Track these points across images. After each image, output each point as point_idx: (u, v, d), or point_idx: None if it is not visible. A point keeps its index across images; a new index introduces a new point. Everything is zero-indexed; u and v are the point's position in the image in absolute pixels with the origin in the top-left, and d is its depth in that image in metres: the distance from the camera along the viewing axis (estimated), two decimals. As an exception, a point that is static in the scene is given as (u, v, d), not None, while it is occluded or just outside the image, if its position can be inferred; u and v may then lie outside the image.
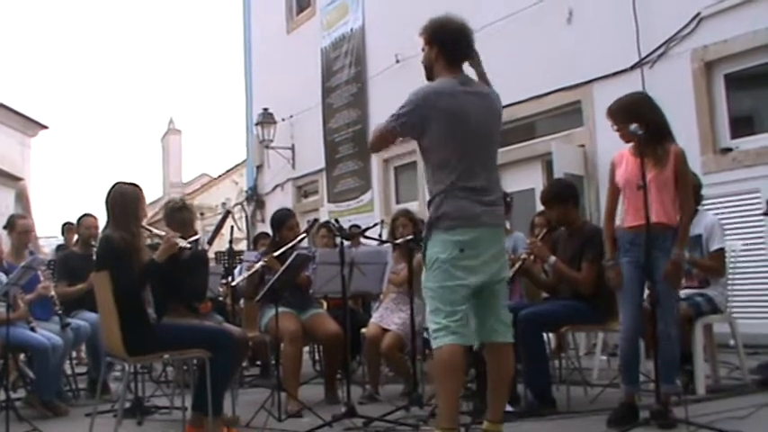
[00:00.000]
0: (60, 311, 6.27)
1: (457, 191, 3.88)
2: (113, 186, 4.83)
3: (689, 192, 4.66)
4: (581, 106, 9.53)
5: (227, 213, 7.24)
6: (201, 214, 22.75)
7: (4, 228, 6.91)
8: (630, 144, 4.68)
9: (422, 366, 5.99)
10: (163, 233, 4.87)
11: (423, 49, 4.16)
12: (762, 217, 6.96)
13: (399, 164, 12.94)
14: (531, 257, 5.62)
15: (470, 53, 4.09)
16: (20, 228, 6.72)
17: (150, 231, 5.01)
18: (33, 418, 5.59)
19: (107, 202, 4.78)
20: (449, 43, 4.04)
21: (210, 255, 8.63)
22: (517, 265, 5.63)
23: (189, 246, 4.81)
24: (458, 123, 3.89)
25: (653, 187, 4.45)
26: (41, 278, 6.36)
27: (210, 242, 7.23)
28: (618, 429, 4.43)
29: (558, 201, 5.56)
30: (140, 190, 4.88)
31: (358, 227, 8.31)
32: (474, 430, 4.48)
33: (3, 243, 6.65)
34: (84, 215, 7.31)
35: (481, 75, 4.18)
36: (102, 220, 5.69)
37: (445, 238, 3.86)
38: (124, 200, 4.77)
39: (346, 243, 7.61)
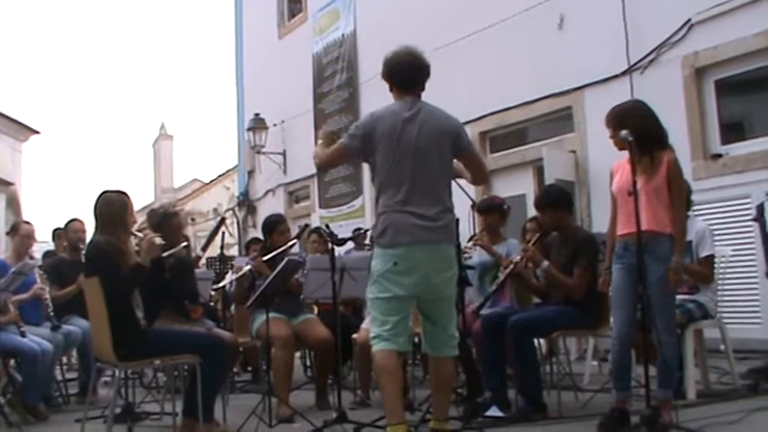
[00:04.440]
0: (52, 314, 6.32)
1: (396, 209, 4.18)
2: (100, 195, 4.84)
3: (682, 200, 4.67)
4: (572, 112, 9.56)
5: (222, 221, 7.23)
6: (193, 220, 22.69)
7: (8, 233, 6.97)
8: (625, 152, 4.68)
9: (412, 372, 5.98)
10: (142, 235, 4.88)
11: None
12: (752, 223, 6.98)
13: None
14: (524, 261, 5.63)
15: (417, 79, 4.40)
16: (23, 231, 6.80)
17: (136, 236, 5.00)
18: (22, 423, 5.58)
19: (95, 210, 4.79)
20: (395, 72, 4.42)
21: (202, 261, 8.63)
22: (509, 269, 5.64)
23: (165, 242, 4.82)
24: (397, 143, 4.22)
25: (643, 195, 4.46)
26: (38, 280, 6.39)
27: (204, 249, 7.23)
28: (608, 434, 4.45)
29: (552, 206, 5.57)
30: (127, 197, 4.88)
31: (360, 229, 8.37)
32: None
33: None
34: (72, 220, 7.36)
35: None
36: (90, 225, 5.69)
37: (383, 252, 4.20)
38: (111, 208, 4.77)
39: (351, 245, 7.67)
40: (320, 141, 4.76)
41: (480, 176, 4.67)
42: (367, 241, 7.13)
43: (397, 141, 4.22)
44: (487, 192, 10.13)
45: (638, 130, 4.51)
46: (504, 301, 5.95)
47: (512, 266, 5.65)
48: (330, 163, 4.67)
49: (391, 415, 4.07)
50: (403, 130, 4.23)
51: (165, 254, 4.80)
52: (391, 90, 4.46)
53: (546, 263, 5.46)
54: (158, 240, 4.74)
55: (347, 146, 4.38)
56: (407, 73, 4.39)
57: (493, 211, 6.13)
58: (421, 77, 4.40)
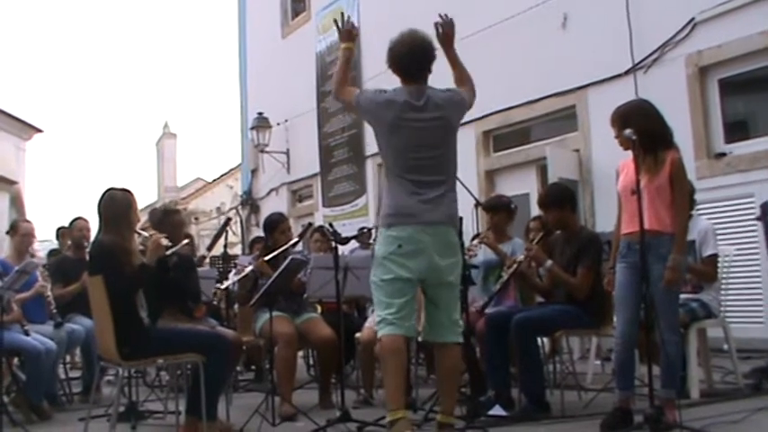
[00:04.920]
0: (55, 311, 6.34)
1: (399, 190, 4.27)
2: (105, 193, 4.83)
3: (685, 199, 4.66)
4: (575, 111, 9.55)
5: (228, 221, 7.22)
6: (196, 218, 22.72)
7: (7, 233, 6.98)
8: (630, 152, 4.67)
9: (416, 370, 5.97)
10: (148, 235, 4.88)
11: None
12: (755, 222, 6.97)
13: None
14: (527, 261, 5.62)
15: (418, 67, 4.40)
16: (22, 230, 6.79)
17: (140, 234, 5.00)
18: (26, 422, 5.60)
19: (99, 208, 4.79)
20: (396, 64, 4.45)
21: (206, 260, 8.63)
22: (513, 269, 5.62)
23: (171, 244, 4.81)
24: (400, 133, 4.28)
25: (646, 194, 4.46)
26: (39, 278, 6.40)
27: (210, 249, 7.23)
28: (611, 434, 4.45)
29: (555, 204, 5.56)
30: (132, 195, 4.87)
31: (364, 228, 8.38)
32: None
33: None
34: (76, 218, 7.36)
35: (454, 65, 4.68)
36: (94, 224, 5.70)
37: (386, 234, 4.26)
38: (115, 206, 4.77)
39: (354, 244, 7.67)
40: (346, 45, 4.68)
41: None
42: (371, 240, 7.13)
43: (401, 130, 4.27)
44: (493, 190, 10.17)
45: (643, 129, 4.51)
46: (507, 301, 5.95)
47: (515, 266, 5.64)
48: (339, 100, 4.72)
49: (393, 400, 4.08)
50: (409, 119, 4.27)
51: (167, 252, 4.79)
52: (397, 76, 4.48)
53: (549, 262, 5.46)
54: (165, 241, 4.74)
55: (355, 105, 4.48)
56: (408, 61, 4.40)
57: (500, 210, 6.13)
58: (423, 64, 4.40)
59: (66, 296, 6.72)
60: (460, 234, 4.60)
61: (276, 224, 6.36)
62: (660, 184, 4.49)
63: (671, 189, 4.51)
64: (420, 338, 4.75)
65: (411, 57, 4.38)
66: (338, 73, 4.61)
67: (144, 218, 6.73)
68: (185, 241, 5.43)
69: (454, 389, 4.44)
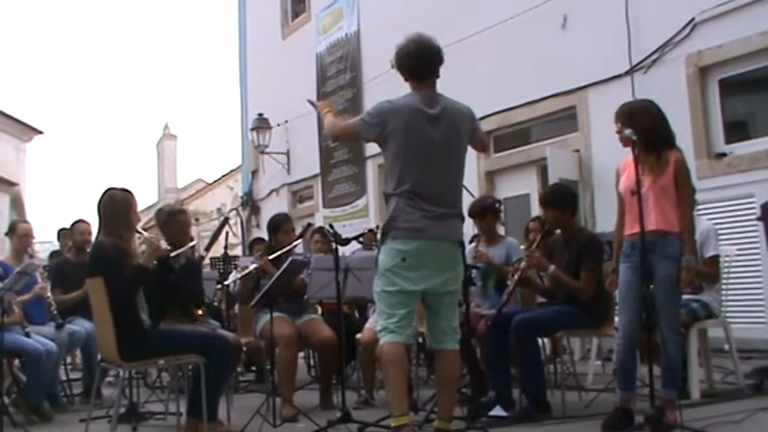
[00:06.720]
0: (56, 312, 6.35)
1: (406, 202, 4.21)
2: (104, 192, 4.83)
3: (690, 198, 4.67)
4: (576, 112, 9.55)
5: (225, 221, 7.22)
6: (197, 220, 22.67)
7: (6, 234, 6.98)
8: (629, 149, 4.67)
9: (416, 371, 5.96)
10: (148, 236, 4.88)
11: None
12: (756, 222, 6.97)
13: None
14: (527, 266, 5.59)
15: (427, 68, 4.36)
16: (20, 231, 6.78)
17: (141, 234, 4.99)
18: (26, 423, 5.61)
19: (98, 208, 4.78)
20: (405, 64, 4.41)
21: (206, 261, 8.62)
22: (516, 277, 5.56)
23: (170, 248, 4.79)
24: (411, 141, 4.22)
25: (650, 194, 4.46)
26: (39, 279, 6.40)
27: (208, 249, 7.21)
28: (612, 434, 4.45)
29: (556, 204, 5.54)
30: (132, 195, 4.87)
31: (369, 230, 8.38)
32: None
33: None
34: (78, 221, 7.34)
35: None
36: (94, 226, 5.69)
37: (391, 247, 4.23)
38: (115, 206, 4.76)
39: (356, 245, 7.67)
40: (327, 110, 4.72)
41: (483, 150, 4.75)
42: (375, 241, 7.11)
43: (413, 139, 4.22)
44: (493, 191, 10.16)
45: (647, 128, 4.51)
46: (510, 305, 5.92)
47: (519, 272, 5.58)
48: (341, 139, 4.68)
49: (397, 407, 4.08)
50: (422, 129, 4.23)
51: (173, 253, 4.78)
52: (406, 80, 4.44)
53: (552, 267, 5.42)
54: (164, 245, 4.73)
55: (359, 130, 4.39)
56: (416, 62, 4.36)
57: (486, 215, 6.10)
58: (431, 65, 4.36)
59: (67, 302, 6.70)
60: (463, 251, 4.57)
61: (280, 224, 6.36)
62: (665, 183, 4.49)
63: (676, 188, 4.51)
64: (428, 345, 4.73)
65: (420, 57, 4.35)
66: (330, 122, 4.58)
67: (145, 218, 6.74)
68: (192, 243, 5.41)
69: (453, 394, 4.45)
